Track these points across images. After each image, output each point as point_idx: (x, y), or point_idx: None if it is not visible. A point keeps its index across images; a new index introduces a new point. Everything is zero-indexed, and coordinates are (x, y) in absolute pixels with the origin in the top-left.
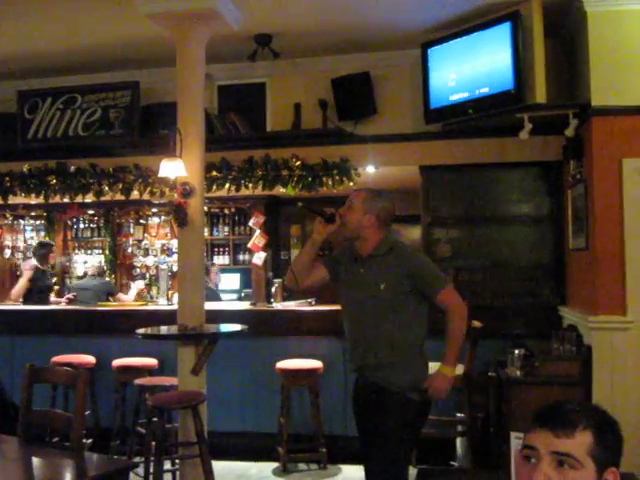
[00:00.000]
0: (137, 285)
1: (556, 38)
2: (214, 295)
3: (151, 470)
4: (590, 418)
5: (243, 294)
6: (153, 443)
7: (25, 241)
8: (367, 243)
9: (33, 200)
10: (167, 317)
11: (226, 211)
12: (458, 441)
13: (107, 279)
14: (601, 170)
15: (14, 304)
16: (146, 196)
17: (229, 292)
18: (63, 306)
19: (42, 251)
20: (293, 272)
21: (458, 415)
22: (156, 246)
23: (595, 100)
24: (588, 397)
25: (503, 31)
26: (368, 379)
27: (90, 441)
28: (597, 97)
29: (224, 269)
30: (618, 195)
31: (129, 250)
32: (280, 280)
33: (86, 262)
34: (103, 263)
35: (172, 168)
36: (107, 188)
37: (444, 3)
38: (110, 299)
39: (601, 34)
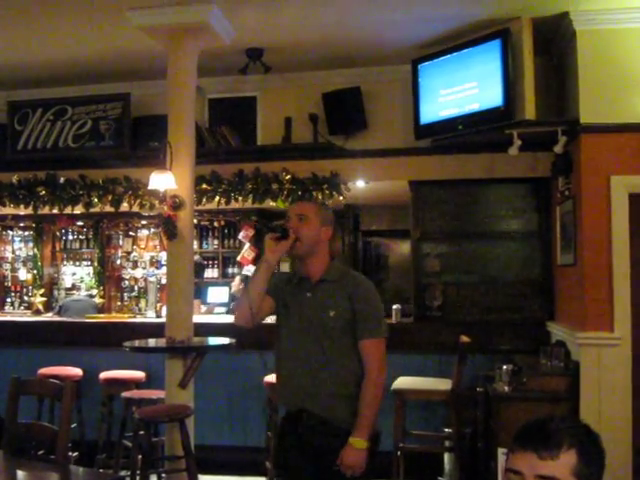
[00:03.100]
0: None
1: (545, 56)
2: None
3: None
4: (573, 436)
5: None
6: (139, 457)
7: (13, 252)
8: (319, 262)
9: (22, 211)
10: (155, 330)
11: (215, 224)
12: (445, 456)
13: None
14: (589, 187)
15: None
16: (136, 208)
17: (218, 305)
18: (51, 317)
19: None
20: (248, 305)
21: (446, 430)
22: (145, 258)
23: (584, 117)
24: (575, 413)
25: (493, 48)
26: (317, 416)
27: (76, 454)
28: (586, 114)
29: (213, 282)
30: (606, 212)
31: (118, 262)
32: None
33: (74, 274)
34: (91, 274)
35: (162, 180)
36: (96, 200)
37: (435, 19)
38: None
39: (590, 52)
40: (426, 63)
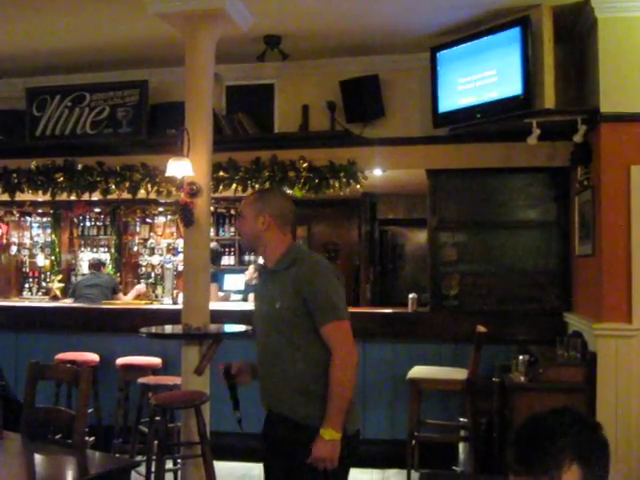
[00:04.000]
0: (138, 288)
1: (566, 43)
2: None
3: (153, 469)
4: (571, 446)
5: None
6: (155, 442)
7: (31, 238)
8: (271, 250)
9: (40, 197)
10: (172, 316)
11: (232, 211)
12: (461, 446)
13: (110, 274)
14: (609, 177)
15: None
16: (153, 195)
17: (235, 292)
18: (68, 303)
19: None
20: None
21: (461, 420)
22: (162, 245)
23: (604, 106)
24: (592, 404)
25: (512, 36)
26: (280, 415)
27: (92, 439)
28: (606, 103)
29: (230, 269)
30: (626, 202)
31: (135, 249)
32: None
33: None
34: (108, 260)
35: (179, 167)
36: (114, 186)
37: (454, 7)
38: (114, 295)
39: (611, 40)
40: (445, 51)
